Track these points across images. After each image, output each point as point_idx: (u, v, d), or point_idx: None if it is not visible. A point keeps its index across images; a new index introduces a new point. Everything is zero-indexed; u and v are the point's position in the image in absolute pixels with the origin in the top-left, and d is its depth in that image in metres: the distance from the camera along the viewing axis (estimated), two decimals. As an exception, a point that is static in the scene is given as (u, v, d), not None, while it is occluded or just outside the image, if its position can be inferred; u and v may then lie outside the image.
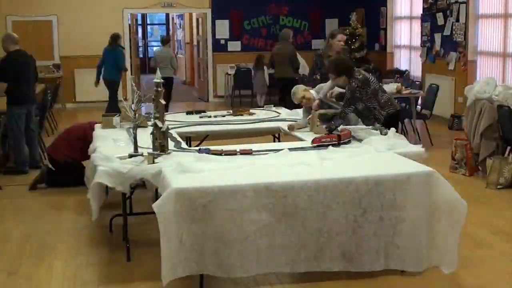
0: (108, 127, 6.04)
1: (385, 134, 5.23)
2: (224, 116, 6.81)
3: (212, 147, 5.00)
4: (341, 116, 5.85)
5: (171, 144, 5.03)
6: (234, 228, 3.99)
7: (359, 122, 5.83)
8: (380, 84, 6.38)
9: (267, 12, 14.85)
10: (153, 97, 4.87)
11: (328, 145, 4.97)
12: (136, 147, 4.72)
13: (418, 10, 12.26)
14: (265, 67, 13.06)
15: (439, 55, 11.45)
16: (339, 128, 5.37)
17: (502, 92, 7.30)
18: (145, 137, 4.96)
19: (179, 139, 5.49)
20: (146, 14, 21.18)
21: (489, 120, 7.21)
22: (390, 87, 8.88)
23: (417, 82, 11.08)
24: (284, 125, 6.23)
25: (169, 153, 4.78)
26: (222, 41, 14.76)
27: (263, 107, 7.84)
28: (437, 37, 11.44)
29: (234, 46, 14.78)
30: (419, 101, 10.27)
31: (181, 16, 19.77)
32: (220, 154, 4.79)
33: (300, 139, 5.53)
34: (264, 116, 6.75)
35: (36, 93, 9.82)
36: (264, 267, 4.12)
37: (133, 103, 4.80)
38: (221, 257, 4.00)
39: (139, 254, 4.89)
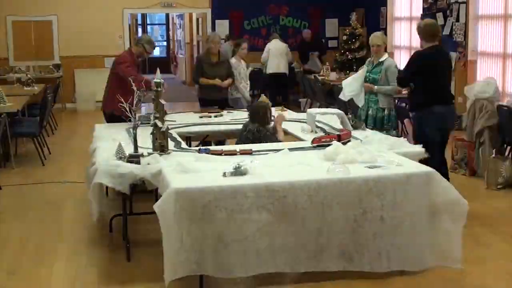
0: None
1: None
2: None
3: (212, 147, 5.01)
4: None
5: (171, 144, 5.03)
6: (234, 228, 3.99)
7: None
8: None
9: (267, 12, 14.84)
10: (153, 97, 4.87)
11: (328, 145, 4.97)
12: (136, 147, 4.71)
13: (418, 10, 12.25)
14: None
15: (439, 55, 11.43)
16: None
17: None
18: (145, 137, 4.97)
19: (179, 139, 5.49)
20: (146, 14, 21.17)
21: (490, 121, 7.20)
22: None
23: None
24: (284, 125, 6.21)
25: (169, 153, 4.78)
26: (222, 41, 14.74)
27: None
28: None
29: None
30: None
31: (181, 16, 19.76)
32: (220, 154, 4.79)
33: (300, 139, 5.53)
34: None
35: (36, 93, 9.84)
36: (264, 267, 4.12)
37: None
38: (221, 257, 4.00)
39: (139, 254, 4.89)
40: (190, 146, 5.96)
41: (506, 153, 7.23)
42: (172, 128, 5.72)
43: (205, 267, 4.01)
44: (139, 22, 21.76)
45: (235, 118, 6.65)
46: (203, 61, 7.60)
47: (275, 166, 4.42)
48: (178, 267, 3.95)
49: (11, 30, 13.59)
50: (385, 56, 6.84)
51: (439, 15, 11.29)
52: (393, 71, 6.66)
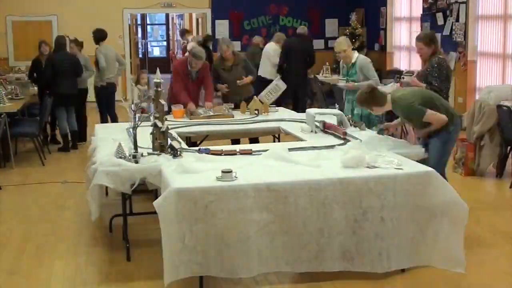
0: None
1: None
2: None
3: (212, 147, 5.00)
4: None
5: (176, 145, 5.00)
6: (236, 228, 3.98)
7: None
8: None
9: (267, 12, 14.84)
10: (153, 97, 4.86)
11: (335, 135, 5.00)
12: (136, 147, 4.70)
13: (418, 10, 12.25)
14: None
15: (439, 55, 11.43)
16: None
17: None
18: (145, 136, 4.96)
19: (179, 139, 5.48)
20: (146, 14, 21.16)
21: (489, 121, 7.19)
22: (390, 87, 8.87)
23: (417, 82, 11.04)
24: (284, 125, 6.22)
25: (181, 156, 4.71)
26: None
27: None
28: (437, 37, 11.43)
29: (234, 46, 14.74)
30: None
31: (181, 16, 19.77)
32: (220, 154, 4.79)
33: (300, 139, 5.53)
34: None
35: (36, 93, 9.82)
36: (266, 267, 4.12)
37: (132, 103, 4.79)
38: (224, 257, 3.99)
39: (139, 254, 4.89)
40: (190, 146, 5.95)
41: (506, 153, 7.22)
42: (172, 128, 5.72)
43: (208, 268, 4.01)
44: (139, 22, 21.75)
45: (235, 118, 6.65)
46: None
47: (275, 166, 4.42)
48: (180, 268, 3.94)
49: (11, 30, 13.59)
50: (355, 55, 6.78)
51: (439, 15, 11.29)
52: (367, 67, 6.64)
